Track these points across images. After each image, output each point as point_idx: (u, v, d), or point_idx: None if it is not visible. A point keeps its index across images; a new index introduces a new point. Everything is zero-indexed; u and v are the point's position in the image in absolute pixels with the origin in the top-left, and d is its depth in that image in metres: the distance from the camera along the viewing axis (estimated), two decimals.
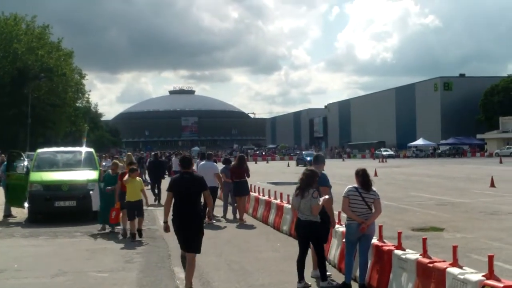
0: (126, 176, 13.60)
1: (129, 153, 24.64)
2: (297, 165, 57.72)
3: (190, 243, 8.48)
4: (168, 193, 8.69)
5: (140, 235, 13.41)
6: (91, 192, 15.78)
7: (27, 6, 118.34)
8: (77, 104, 73.98)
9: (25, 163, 18.34)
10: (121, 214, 14.10)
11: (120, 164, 16.18)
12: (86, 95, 74.08)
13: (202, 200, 8.83)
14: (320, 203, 8.55)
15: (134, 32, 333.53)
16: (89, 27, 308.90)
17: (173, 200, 8.57)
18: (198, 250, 8.53)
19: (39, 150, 19.57)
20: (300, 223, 8.81)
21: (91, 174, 17.31)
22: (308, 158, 49.73)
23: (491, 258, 6.05)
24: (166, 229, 8.70)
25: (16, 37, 59.24)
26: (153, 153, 31.17)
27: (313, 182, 8.72)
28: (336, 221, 9.78)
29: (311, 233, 8.72)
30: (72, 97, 68.53)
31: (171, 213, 8.53)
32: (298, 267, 8.80)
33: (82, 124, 77.76)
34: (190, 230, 8.44)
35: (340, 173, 31.04)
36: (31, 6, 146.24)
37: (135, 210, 13.34)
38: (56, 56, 61.67)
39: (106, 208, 14.46)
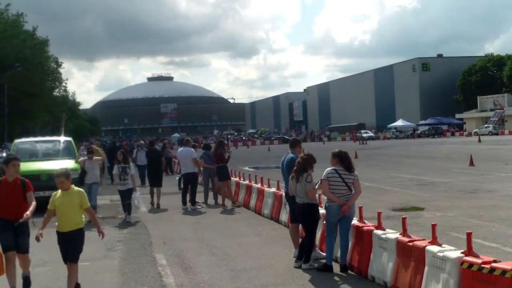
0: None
1: (93, 144, 23.77)
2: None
3: (156, 182, 17.22)
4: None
5: None
6: None
7: None
8: (55, 93, 72.95)
9: (3, 153, 18.12)
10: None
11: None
12: (63, 84, 73.05)
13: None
14: (316, 186, 8.68)
15: (111, 18, 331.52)
16: (64, 14, 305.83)
17: None
18: (161, 185, 17.28)
19: (17, 140, 19.38)
20: (298, 206, 8.93)
21: (70, 163, 17.17)
22: None
23: (469, 235, 6.11)
24: None
25: None
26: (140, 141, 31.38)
27: (309, 166, 8.83)
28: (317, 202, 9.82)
29: (307, 215, 8.84)
30: (49, 86, 67.55)
31: None
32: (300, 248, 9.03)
33: (60, 113, 76.77)
34: (155, 176, 17.42)
35: (321, 156, 31.10)
36: None
37: None
38: (31, 44, 60.59)
39: None
